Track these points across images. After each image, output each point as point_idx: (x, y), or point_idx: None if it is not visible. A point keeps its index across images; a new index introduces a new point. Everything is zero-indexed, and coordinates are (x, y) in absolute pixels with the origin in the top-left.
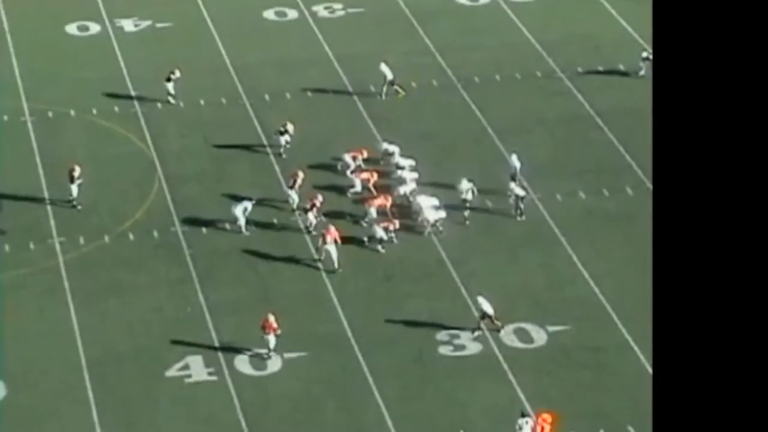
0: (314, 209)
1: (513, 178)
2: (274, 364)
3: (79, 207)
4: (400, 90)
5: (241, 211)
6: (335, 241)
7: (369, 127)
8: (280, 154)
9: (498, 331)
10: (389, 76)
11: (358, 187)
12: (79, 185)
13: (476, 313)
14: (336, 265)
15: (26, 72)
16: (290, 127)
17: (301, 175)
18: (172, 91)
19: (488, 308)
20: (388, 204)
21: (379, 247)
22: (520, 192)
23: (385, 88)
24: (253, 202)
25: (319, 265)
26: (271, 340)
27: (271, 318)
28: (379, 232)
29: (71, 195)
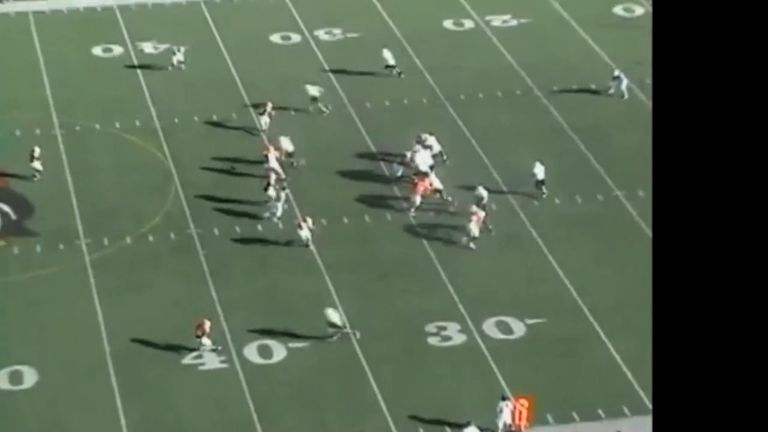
0: (270, 187)
1: (477, 204)
2: (279, 353)
3: (36, 179)
4: (396, 71)
5: (278, 198)
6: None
7: (364, 138)
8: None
9: (354, 335)
10: (390, 61)
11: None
12: (42, 163)
13: (327, 325)
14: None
15: (57, 90)
16: (269, 106)
17: (272, 150)
18: (182, 58)
19: (336, 319)
20: (428, 186)
21: (471, 244)
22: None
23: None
24: (287, 190)
25: (320, 263)
26: (206, 341)
27: (207, 323)
28: (474, 230)
29: (36, 170)
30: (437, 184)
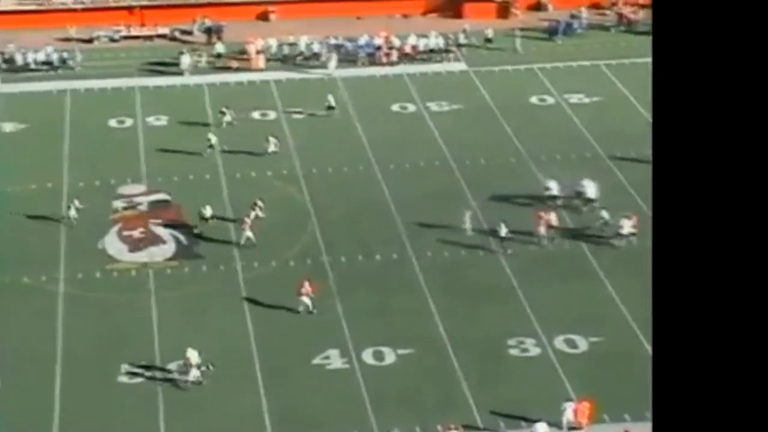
0: (245, 224)
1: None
2: (390, 358)
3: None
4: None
5: (468, 218)
6: None
7: (464, 189)
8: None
9: (209, 368)
10: (332, 103)
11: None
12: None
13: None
14: None
15: (223, 145)
16: (272, 140)
17: (259, 204)
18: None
19: (196, 359)
20: (547, 221)
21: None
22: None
23: None
24: (471, 212)
25: (424, 287)
26: (306, 300)
27: (306, 283)
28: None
29: (73, 218)
30: (554, 221)
